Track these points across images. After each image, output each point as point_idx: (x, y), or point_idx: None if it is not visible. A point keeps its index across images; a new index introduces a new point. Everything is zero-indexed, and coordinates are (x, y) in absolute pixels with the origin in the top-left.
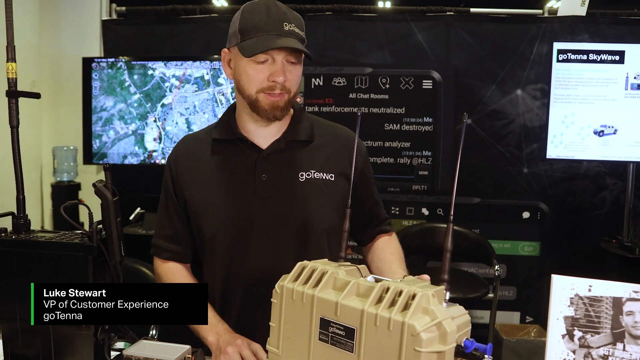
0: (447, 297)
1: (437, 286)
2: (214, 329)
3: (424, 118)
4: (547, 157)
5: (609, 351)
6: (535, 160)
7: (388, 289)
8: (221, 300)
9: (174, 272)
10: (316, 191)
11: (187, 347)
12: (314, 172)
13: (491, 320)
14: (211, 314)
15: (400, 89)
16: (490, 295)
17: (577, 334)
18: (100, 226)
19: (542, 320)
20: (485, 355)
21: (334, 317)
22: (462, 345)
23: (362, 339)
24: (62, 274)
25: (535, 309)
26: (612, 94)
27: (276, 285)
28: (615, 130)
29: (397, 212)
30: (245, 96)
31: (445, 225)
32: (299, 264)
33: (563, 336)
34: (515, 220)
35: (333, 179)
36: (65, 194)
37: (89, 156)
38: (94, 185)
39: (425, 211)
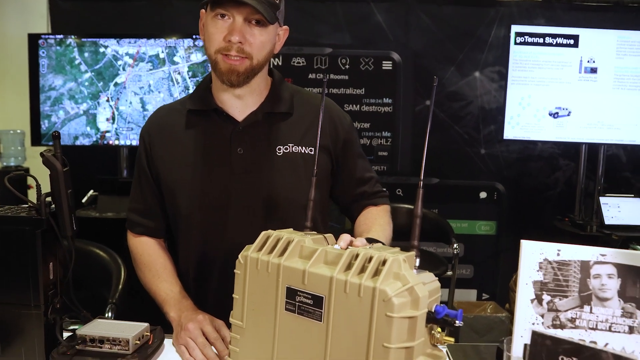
0: (417, 264)
1: (407, 252)
2: (177, 305)
3: (384, 99)
4: (505, 137)
5: (576, 314)
6: (492, 141)
7: (357, 255)
8: (196, 278)
9: (144, 247)
10: (294, 165)
11: (145, 324)
12: (292, 146)
13: (449, 298)
14: (176, 290)
15: (360, 69)
16: (449, 273)
17: (546, 298)
18: (49, 199)
19: (498, 297)
20: (457, 321)
21: (301, 286)
22: (434, 311)
23: (331, 307)
24: (8, 249)
25: (492, 286)
26: (567, 76)
27: (239, 256)
28: (569, 112)
29: None
30: (208, 56)
31: (406, 206)
32: (263, 233)
33: (532, 301)
34: (472, 200)
35: (312, 152)
36: (13, 179)
37: (38, 137)
38: (42, 154)
39: None
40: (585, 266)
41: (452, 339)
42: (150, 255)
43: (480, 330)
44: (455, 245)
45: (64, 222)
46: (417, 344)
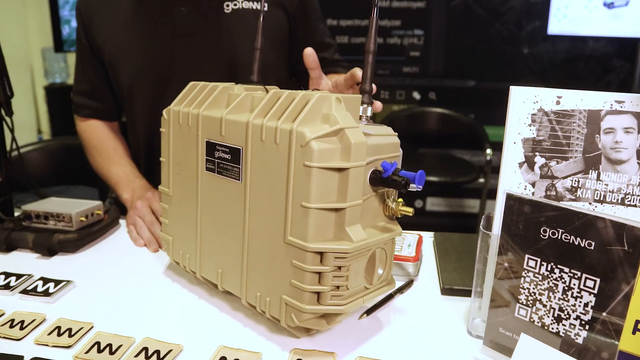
0: (369, 114)
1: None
2: (130, 185)
3: None
4: (549, 33)
5: (578, 182)
6: (536, 39)
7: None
8: (146, 158)
9: (93, 130)
10: (246, 24)
11: (98, 202)
12: (243, 2)
13: (481, 207)
14: (128, 170)
15: None
16: (482, 180)
17: (539, 160)
18: None
19: None
20: (411, 184)
21: (219, 138)
22: (381, 169)
23: (249, 160)
24: None
25: None
26: None
27: (164, 111)
28: (628, 1)
29: (387, 97)
30: None
31: (438, 110)
32: (190, 83)
33: (520, 164)
34: None
35: (266, 8)
36: (59, 96)
37: (59, 43)
38: None
39: (416, 95)
40: (594, 117)
41: (411, 210)
42: (100, 138)
43: None
44: (488, 151)
45: None
46: (349, 206)
